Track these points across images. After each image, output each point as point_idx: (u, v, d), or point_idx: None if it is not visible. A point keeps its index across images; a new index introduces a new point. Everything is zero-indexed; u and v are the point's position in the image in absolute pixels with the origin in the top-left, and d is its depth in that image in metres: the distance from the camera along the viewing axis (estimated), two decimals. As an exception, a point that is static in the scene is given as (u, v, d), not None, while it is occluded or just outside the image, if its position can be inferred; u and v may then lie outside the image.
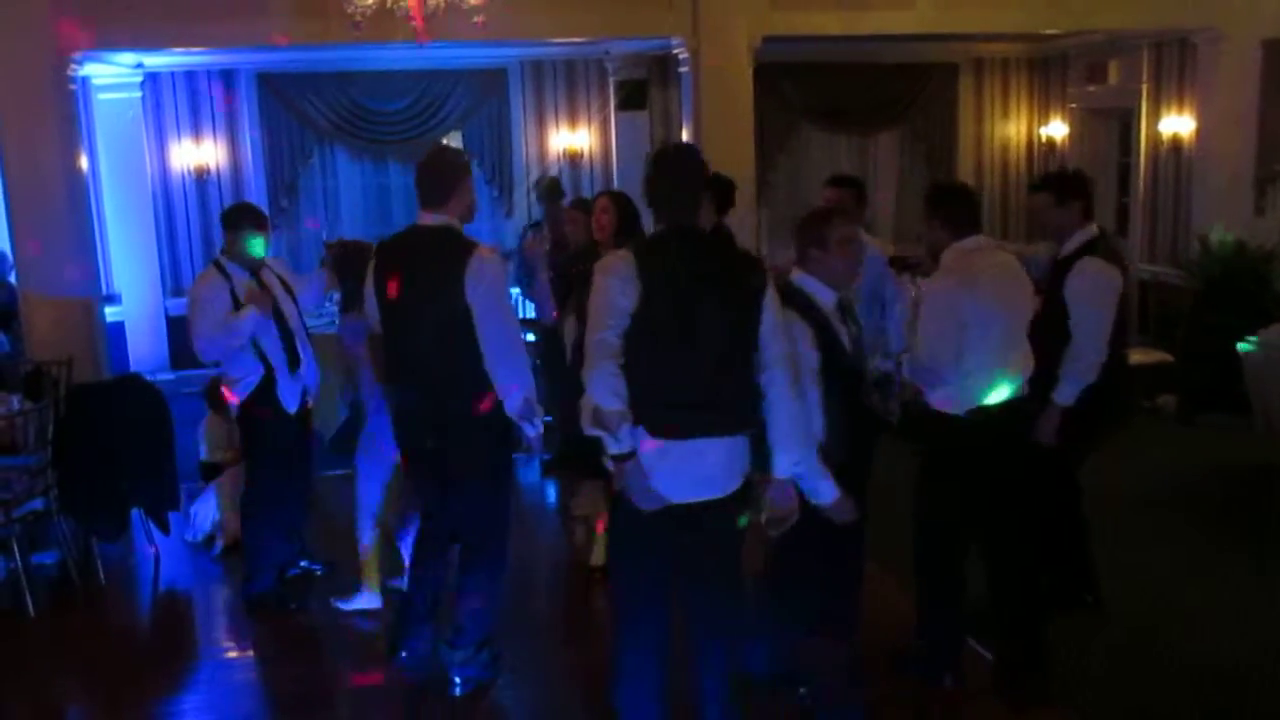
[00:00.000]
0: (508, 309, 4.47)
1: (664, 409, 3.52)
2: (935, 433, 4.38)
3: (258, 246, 5.39)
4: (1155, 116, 10.28)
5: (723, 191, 5.93)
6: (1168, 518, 6.48)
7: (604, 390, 3.45)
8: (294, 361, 5.41)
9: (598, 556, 5.66)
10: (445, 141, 11.14)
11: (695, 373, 3.53)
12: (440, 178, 4.45)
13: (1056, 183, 5.01)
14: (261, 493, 5.49)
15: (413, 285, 4.37)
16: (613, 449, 3.52)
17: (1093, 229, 4.87)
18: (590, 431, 3.52)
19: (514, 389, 4.38)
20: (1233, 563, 5.79)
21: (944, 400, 4.30)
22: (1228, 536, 6.16)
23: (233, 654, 5.28)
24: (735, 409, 3.59)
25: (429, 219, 4.43)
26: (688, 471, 3.55)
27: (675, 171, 3.74)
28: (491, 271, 4.34)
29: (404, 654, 4.70)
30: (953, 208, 4.37)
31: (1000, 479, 4.33)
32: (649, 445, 3.53)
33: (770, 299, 3.64)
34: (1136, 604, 5.26)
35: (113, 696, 4.85)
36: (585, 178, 11.15)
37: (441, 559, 4.71)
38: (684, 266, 3.55)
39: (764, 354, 3.61)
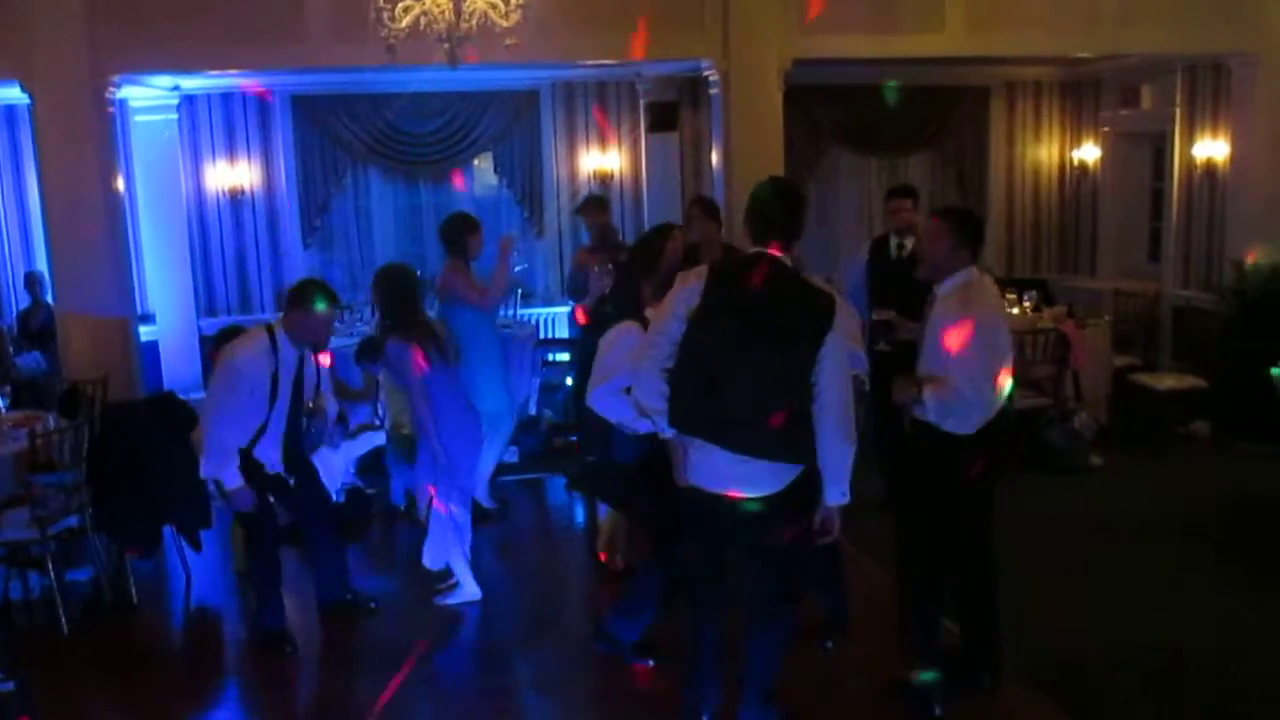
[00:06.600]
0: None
1: (692, 413, 3.80)
2: (932, 458, 4.34)
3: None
4: (1189, 140, 10.21)
5: None
6: (1202, 545, 6.41)
7: (649, 391, 3.88)
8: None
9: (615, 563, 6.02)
10: (477, 163, 11.23)
11: (726, 388, 3.73)
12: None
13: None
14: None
15: None
16: (662, 432, 3.93)
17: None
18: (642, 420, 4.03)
19: None
20: (1268, 591, 5.72)
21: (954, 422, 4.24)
22: (1263, 564, 6.08)
23: (262, 673, 5.30)
24: (769, 440, 3.73)
25: None
26: (711, 467, 3.81)
27: (791, 201, 3.94)
28: None
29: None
30: (979, 235, 4.45)
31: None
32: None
33: (834, 340, 3.71)
34: (1170, 632, 5.21)
35: (143, 713, 4.88)
36: (615, 198, 11.16)
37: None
38: (742, 294, 3.75)
39: (820, 396, 3.73)
